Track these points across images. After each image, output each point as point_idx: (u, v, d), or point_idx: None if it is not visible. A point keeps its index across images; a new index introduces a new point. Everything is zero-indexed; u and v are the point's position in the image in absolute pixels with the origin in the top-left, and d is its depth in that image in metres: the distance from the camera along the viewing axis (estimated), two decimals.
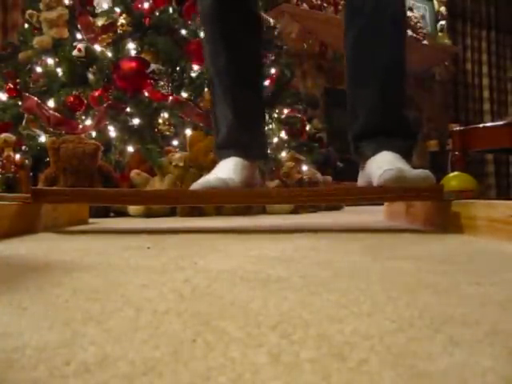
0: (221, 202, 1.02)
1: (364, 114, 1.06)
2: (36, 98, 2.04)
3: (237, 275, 0.44)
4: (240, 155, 1.08)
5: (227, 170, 1.03)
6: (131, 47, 2.15)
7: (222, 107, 1.09)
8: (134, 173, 1.83)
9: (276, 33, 2.62)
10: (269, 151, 1.19)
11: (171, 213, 1.77)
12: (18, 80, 2.21)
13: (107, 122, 1.99)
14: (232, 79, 1.06)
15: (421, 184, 0.89)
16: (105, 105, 1.98)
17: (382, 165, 0.93)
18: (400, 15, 1.04)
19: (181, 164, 1.82)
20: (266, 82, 2.43)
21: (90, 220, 1.28)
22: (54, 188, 1.40)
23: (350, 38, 1.05)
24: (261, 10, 2.57)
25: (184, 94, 2.14)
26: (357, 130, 1.08)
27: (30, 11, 2.35)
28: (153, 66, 2.06)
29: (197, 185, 0.96)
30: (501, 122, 2.75)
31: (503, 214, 0.70)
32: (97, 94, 2.01)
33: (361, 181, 1.05)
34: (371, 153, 1.00)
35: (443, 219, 0.91)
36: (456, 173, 2.28)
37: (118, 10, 2.21)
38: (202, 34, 1.05)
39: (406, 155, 1.00)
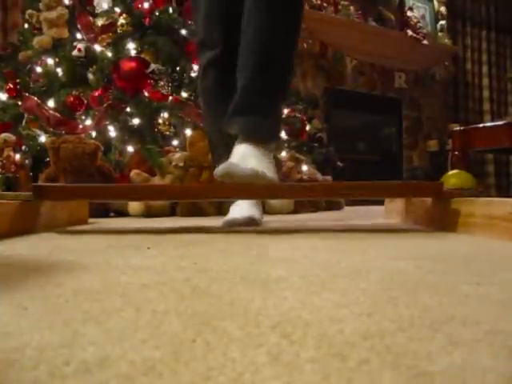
0: (223, 196, 1.02)
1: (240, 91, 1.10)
2: (36, 98, 2.04)
3: (237, 275, 0.44)
4: None
5: (245, 209, 1.11)
6: (131, 47, 2.15)
7: (218, 154, 1.21)
8: (133, 173, 1.83)
9: None
10: None
11: (171, 213, 1.77)
12: (18, 80, 2.21)
13: (107, 122, 1.99)
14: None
15: (253, 181, 0.93)
16: (105, 105, 1.98)
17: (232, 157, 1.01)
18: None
19: (181, 164, 1.82)
20: None
21: (90, 220, 1.28)
22: (56, 184, 1.39)
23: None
24: None
25: (184, 94, 2.14)
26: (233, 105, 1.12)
27: (29, 11, 2.35)
28: (153, 66, 2.06)
29: (226, 223, 1.06)
30: (501, 122, 2.75)
31: (503, 211, 0.70)
32: (97, 94, 2.01)
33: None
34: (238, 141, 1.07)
35: (443, 217, 0.92)
36: (455, 171, 2.28)
37: (117, 9, 2.21)
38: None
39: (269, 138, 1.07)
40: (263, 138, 1.04)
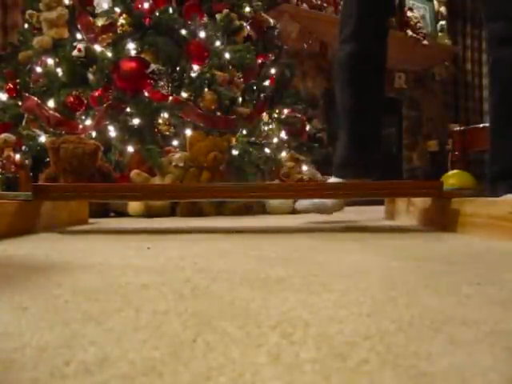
0: (223, 196, 1.03)
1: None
2: (36, 98, 2.04)
3: (237, 275, 0.44)
4: (344, 176, 1.25)
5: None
6: (131, 47, 2.15)
7: (341, 131, 1.28)
8: (134, 173, 1.83)
9: (276, 33, 2.61)
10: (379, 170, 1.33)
11: (171, 213, 1.77)
12: (18, 80, 2.21)
13: (107, 122, 1.99)
14: (352, 112, 1.27)
15: None
16: (105, 105, 1.97)
17: None
18: None
19: (181, 164, 1.82)
20: (267, 82, 2.43)
21: (90, 220, 1.28)
22: (56, 184, 1.39)
23: (495, 90, 1.10)
24: (261, 10, 2.57)
25: (184, 94, 2.13)
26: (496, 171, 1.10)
27: (29, 11, 2.35)
28: (153, 66, 2.06)
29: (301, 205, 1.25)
30: None
31: (503, 211, 0.70)
32: (97, 94, 2.01)
33: None
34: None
35: (443, 217, 0.91)
36: (455, 171, 2.27)
37: (117, 9, 2.21)
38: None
39: None
40: None
